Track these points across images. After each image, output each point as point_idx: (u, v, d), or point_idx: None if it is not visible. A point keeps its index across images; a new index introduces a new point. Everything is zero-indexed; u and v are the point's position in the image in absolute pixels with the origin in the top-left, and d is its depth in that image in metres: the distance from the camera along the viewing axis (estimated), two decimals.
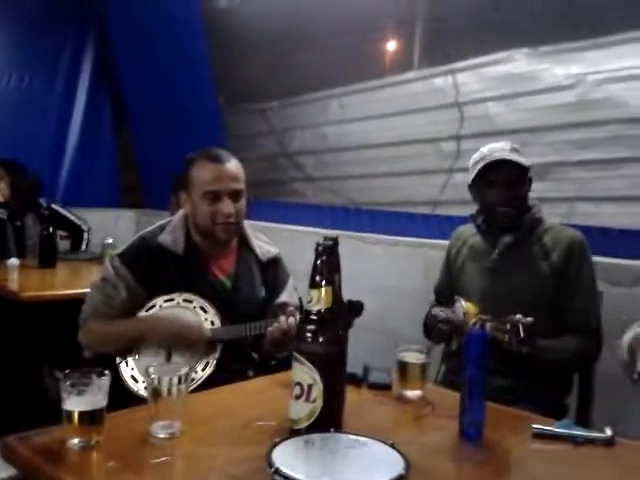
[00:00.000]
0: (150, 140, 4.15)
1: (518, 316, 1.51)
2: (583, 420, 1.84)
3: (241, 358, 1.69)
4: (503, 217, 1.82)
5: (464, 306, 1.78)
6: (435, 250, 2.14)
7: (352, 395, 1.31)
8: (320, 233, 3.03)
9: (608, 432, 1.14)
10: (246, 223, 1.85)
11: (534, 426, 1.15)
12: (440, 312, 1.80)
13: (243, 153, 3.64)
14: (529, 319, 1.50)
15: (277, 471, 0.83)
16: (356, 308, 1.56)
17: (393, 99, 3.02)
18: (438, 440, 1.14)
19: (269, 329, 1.56)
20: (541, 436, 1.14)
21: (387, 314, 2.62)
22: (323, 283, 1.02)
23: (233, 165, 1.70)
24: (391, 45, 3.06)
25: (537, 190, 2.49)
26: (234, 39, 3.65)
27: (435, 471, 0.99)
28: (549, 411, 1.68)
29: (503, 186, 1.79)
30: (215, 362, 1.61)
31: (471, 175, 1.84)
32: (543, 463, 1.08)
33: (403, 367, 1.33)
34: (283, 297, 1.78)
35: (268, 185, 3.59)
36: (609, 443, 1.12)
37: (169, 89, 3.80)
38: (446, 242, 2.07)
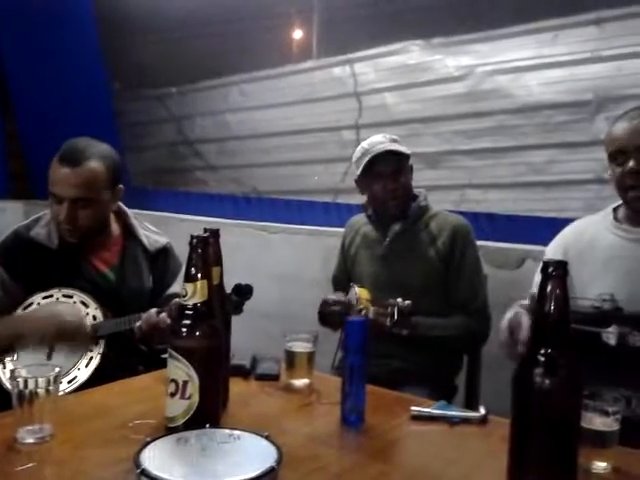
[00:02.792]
0: (37, 127, 3.92)
1: (397, 300, 1.57)
2: (471, 399, 1.93)
3: (129, 352, 1.64)
4: (392, 207, 1.88)
5: (357, 292, 1.81)
6: (334, 238, 2.17)
7: (239, 387, 1.32)
8: (220, 223, 3.00)
9: (482, 411, 1.20)
10: (132, 213, 1.79)
11: (412, 408, 1.19)
12: (330, 296, 1.84)
13: (141, 140, 3.55)
14: (406, 302, 1.55)
15: (144, 472, 0.81)
16: (245, 291, 1.55)
17: (294, 87, 3.02)
18: (320, 427, 1.16)
19: (137, 323, 1.52)
20: (419, 418, 1.18)
21: (288, 301, 2.64)
22: (198, 276, 1.01)
23: (84, 170, 1.57)
24: (290, 33, 3.06)
25: (430, 178, 2.60)
26: (130, 24, 3.51)
27: (313, 459, 1.00)
28: (440, 392, 1.76)
29: (389, 176, 1.85)
30: (99, 358, 1.56)
31: (357, 170, 1.89)
32: (420, 444, 1.12)
33: (290, 356, 1.34)
34: (174, 288, 1.74)
35: (168, 174, 3.51)
36: (482, 421, 1.18)
37: (57, 75, 3.60)
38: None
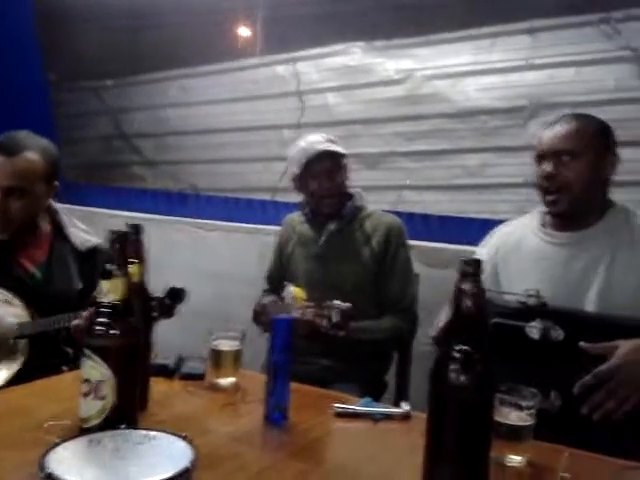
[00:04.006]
0: None
1: (336, 302, 1.58)
2: (402, 395, 1.96)
3: (54, 353, 1.59)
4: (327, 205, 1.89)
5: (292, 291, 1.81)
6: (272, 236, 2.17)
7: (162, 387, 1.29)
8: (155, 219, 2.95)
9: (405, 407, 1.21)
10: (65, 209, 1.74)
11: (336, 405, 1.20)
12: (266, 299, 1.83)
13: (75, 132, 3.44)
14: (345, 304, 1.56)
15: (49, 475, 0.78)
16: (177, 294, 1.53)
17: (236, 84, 2.99)
18: (243, 426, 1.15)
19: (66, 324, 1.48)
20: (343, 415, 1.19)
21: (223, 299, 2.62)
22: (115, 273, 0.98)
23: (20, 160, 1.55)
24: (234, 29, 3.01)
25: (369, 179, 2.62)
26: (67, 14, 3.40)
27: (233, 458, 0.99)
28: (370, 389, 1.78)
29: (325, 175, 1.86)
30: (23, 358, 1.50)
31: (294, 169, 1.89)
32: (342, 441, 1.13)
33: (215, 355, 1.32)
34: None
35: (103, 168, 3.41)
36: (405, 417, 1.20)
37: None
38: None
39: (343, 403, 1.22)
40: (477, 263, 0.84)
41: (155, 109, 3.22)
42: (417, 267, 2.04)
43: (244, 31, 2.98)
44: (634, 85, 2.13)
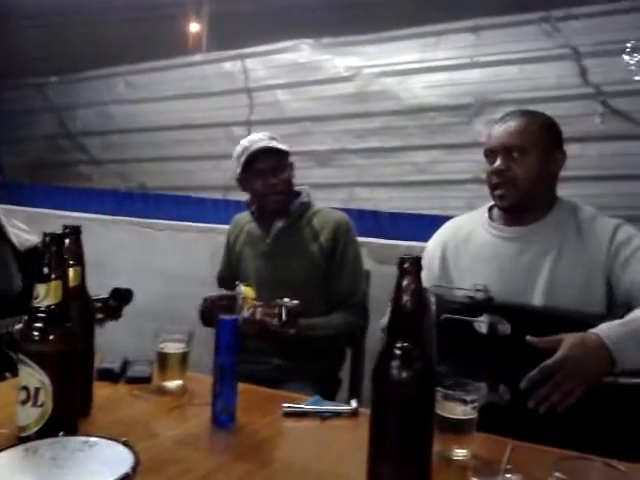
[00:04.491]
0: None
1: (285, 299, 1.57)
2: (356, 392, 1.97)
3: None
4: (272, 202, 1.89)
5: (243, 291, 1.80)
6: (223, 235, 2.14)
7: (106, 392, 1.26)
8: (102, 219, 2.88)
9: (353, 404, 1.22)
10: (2, 210, 1.69)
11: (284, 405, 1.19)
12: (211, 294, 1.82)
13: (19, 131, 3.33)
14: (294, 302, 1.56)
15: None
16: (123, 296, 1.51)
17: (183, 81, 2.95)
18: (190, 429, 1.13)
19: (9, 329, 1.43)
20: (291, 415, 1.18)
21: (174, 301, 2.58)
22: (52, 277, 0.95)
23: None
24: (180, 25, 2.97)
25: (320, 176, 2.63)
26: (9, 10, 3.28)
27: (177, 462, 0.98)
28: (324, 386, 1.78)
29: (268, 173, 1.86)
30: None
31: (238, 168, 1.89)
32: (290, 440, 1.13)
33: (161, 358, 1.30)
34: None
35: (47, 168, 3.31)
36: (354, 414, 1.20)
37: None
38: None
39: (292, 403, 1.21)
40: (415, 260, 0.85)
41: (101, 106, 3.15)
42: (368, 264, 2.05)
43: (191, 27, 2.94)
44: (574, 82, 2.19)
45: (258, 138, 1.89)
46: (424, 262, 1.84)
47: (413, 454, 0.83)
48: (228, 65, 2.81)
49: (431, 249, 1.76)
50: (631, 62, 2.09)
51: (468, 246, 1.67)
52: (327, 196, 2.54)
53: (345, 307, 1.87)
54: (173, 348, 1.30)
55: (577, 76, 2.19)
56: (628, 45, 2.09)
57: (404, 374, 0.82)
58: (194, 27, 2.92)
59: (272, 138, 1.90)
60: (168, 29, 2.96)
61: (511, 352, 1.34)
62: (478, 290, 1.45)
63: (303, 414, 1.19)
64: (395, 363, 0.83)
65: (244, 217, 2.04)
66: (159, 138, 3.03)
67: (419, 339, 0.84)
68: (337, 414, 1.19)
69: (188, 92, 2.91)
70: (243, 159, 1.86)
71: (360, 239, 2.03)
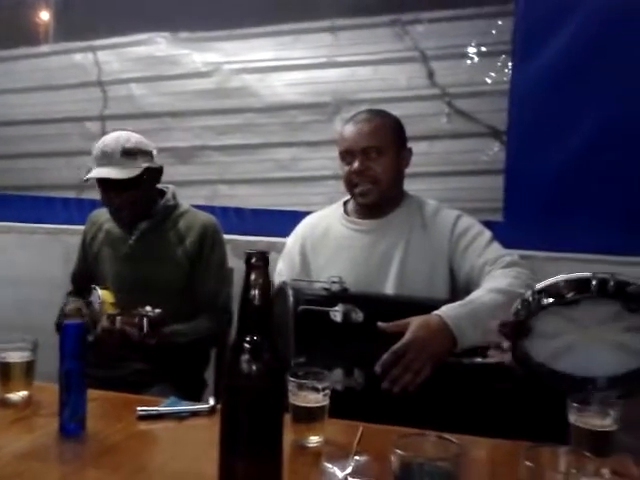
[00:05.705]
0: None
1: (147, 308, 1.52)
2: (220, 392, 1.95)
3: None
4: (123, 216, 1.81)
5: (100, 295, 1.71)
6: (77, 236, 2.03)
7: None
8: None
9: (211, 402, 1.21)
10: None
11: (139, 408, 1.16)
12: (69, 307, 1.72)
13: None
14: (156, 311, 1.51)
15: None
16: None
17: (29, 72, 2.75)
18: (35, 441, 1.06)
19: None
20: (147, 418, 1.15)
21: (27, 307, 2.41)
22: None
23: None
24: (28, 14, 2.76)
25: (182, 173, 2.57)
26: None
27: (19, 476, 0.92)
28: (188, 388, 1.75)
29: (117, 191, 1.75)
30: None
31: (87, 174, 1.77)
32: (145, 443, 1.10)
33: (3, 368, 1.21)
34: None
35: None
36: (212, 412, 1.19)
37: None
38: None
39: (148, 406, 1.18)
40: (262, 255, 0.86)
41: None
42: (232, 261, 2.04)
43: (39, 16, 2.75)
44: (423, 84, 2.32)
45: (109, 152, 1.72)
46: (285, 257, 1.89)
47: (264, 446, 0.84)
48: (78, 57, 2.66)
49: (291, 245, 1.80)
50: (473, 66, 2.25)
51: (326, 240, 1.73)
52: (190, 194, 2.48)
53: (210, 311, 1.84)
54: (16, 357, 1.21)
55: (425, 78, 2.32)
56: (470, 50, 2.25)
57: (252, 367, 0.83)
58: (41, 16, 2.73)
59: (127, 153, 1.72)
60: (14, 18, 2.74)
61: (365, 338, 1.41)
62: (334, 282, 1.51)
63: (159, 416, 1.16)
64: (244, 357, 0.84)
65: (102, 214, 1.93)
66: (6, 133, 2.81)
67: (268, 331, 0.86)
68: (195, 413, 1.18)
69: (37, 85, 2.72)
70: (91, 169, 1.75)
71: (224, 236, 2.02)
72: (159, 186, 1.90)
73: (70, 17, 2.68)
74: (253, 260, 0.86)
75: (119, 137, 1.76)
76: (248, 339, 0.85)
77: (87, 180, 1.77)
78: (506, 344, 1.08)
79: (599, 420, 0.94)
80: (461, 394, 1.39)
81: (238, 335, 0.86)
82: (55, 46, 2.70)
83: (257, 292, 0.85)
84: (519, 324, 1.05)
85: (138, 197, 1.79)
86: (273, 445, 0.84)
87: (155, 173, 1.83)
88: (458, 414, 1.33)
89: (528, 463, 0.79)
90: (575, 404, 0.96)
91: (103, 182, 1.75)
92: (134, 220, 1.83)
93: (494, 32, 2.20)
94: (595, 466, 0.80)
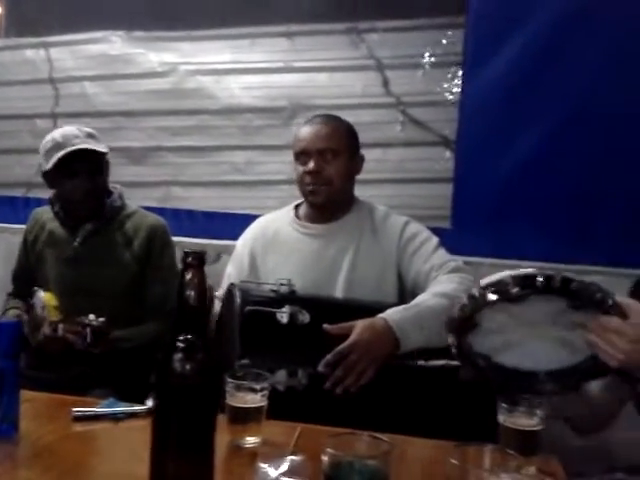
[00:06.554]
0: None
1: (91, 316, 1.50)
2: None
3: None
4: (87, 208, 1.78)
5: (42, 298, 1.68)
6: (20, 234, 1.97)
7: None
8: None
9: (149, 403, 1.20)
10: None
11: (74, 410, 1.14)
12: (10, 313, 1.68)
13: None
14: (100, 320, 1.49)
15: None
16: None
17: None
18: None
19: None
20: (82, 419, 1.14)
21: None
22: None
23: None
24: None
25: (135, 174, 2.55)
26: None
27: None
28: (131, 391, 1.72)
29: (85, 175, 1.74)
30: None
31: (46, 164, 1.73)
32: (79, 445, 1.08)
33: None
34: None
35: None
36: (150, 413, 1.18)
37: None
38: None
39: (85, 407, 1.16)
40: (198, 255, 0.86)
41: None
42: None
43: None
44: (378, 92, 2.36)
45: (73, 133, 1.72)
46: (234, 260, 1.89)
47: (194, 446, 0.83)
48: (30, 53, 2.61)
49: (240, 247, 1.81)
50: (426, 75, 2.30)
51: (276, 243, 1.74)
52: (143, 195, 2.47)
53: (158, 315, 1.80)
54: None
55: (380, 86, 2.35)
56: (424, 60, 2.29)
57: (185, 366, 0.83)
58: None
59: (89, 135, 1.75)
60: None
61: (310, 340, 1.43)
62: (282, 284, 1.52)
63: (95, 417, 1.15)
64: (177, 356, 0.84)
65: (45, 213, 1.88)
66: None
67: (203, 331, 0.86)
68: (132, 415, 1.17)
69: None
70: (56, 156, 1.69)
71: (175, 239, 2.01)
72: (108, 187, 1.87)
73: (22, 12, 2.63)
74: (189, 259, 0.86)
75: (72, 128, 1.76)
76: (182, 338, 0.85)
77: (58, 163, 1.70)
78: (450, 339, 1.09)
79: (526, 420, 0.97)
80: (403, 396, 1.42)
81: (172, 334, 0.85)
82: (6, 41, 2.64)
83: (192, 292, 0.85)
84: (464, 319, 1.06)
85: (101, 185, 1.77)
86: (204, 445, 0.84)
87: (108, 166, 1.82)
88: (399, 415, 1.35)
89: (454, 461, 0.81)
90: (504, 405, 0.98)
91: (69, 169, 1.71)
92: (89, 215, 1.80)
93: (446, 43, 2.25)
94: (518, 464, 0.83)
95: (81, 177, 1.73)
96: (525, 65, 2.16)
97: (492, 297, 1.02)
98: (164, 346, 0.86)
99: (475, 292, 1.04)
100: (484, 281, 1.04)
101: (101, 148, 1.75)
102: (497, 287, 1.02)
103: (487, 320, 1.06)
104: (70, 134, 1.73)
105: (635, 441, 1.44)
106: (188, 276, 0.86)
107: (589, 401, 1.25)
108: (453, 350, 1.11)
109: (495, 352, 1.10)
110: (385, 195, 2.23)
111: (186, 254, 0.86)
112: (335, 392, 1.37)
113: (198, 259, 0.86)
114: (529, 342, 1.08)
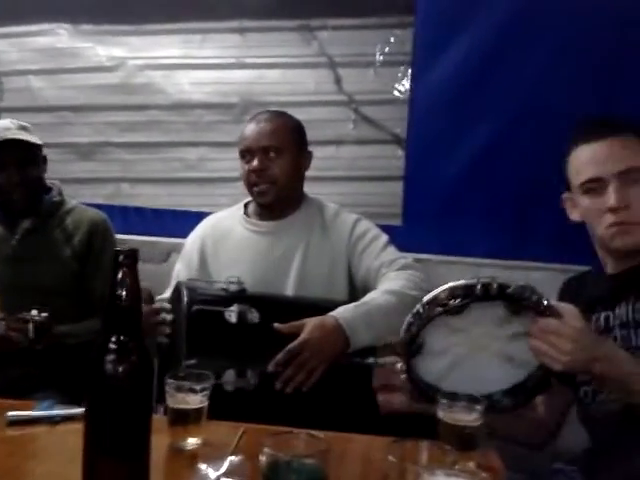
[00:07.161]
0: None
1: (33, 312, 1.46)
2: None
3: None
4: (18, 200, 1.75)
5: None
6: None
7: None
8: None
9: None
10: None
11: (9, 414, 1.11)
12: None
13: None
14: (42, 315, 1.45)
15: None
16: None
17: None
18: None
19: None
20: (17, 423, 1.11)
21: None
22: None
23: None
24: None
25: (83, 170, 2.49)
26: None
27: None
28: (79, 394, 1.68)
29: (15, 167, 1.71)
30: None
31: None
32: (13, 449, 1.05)
33: None
34: None
35: None
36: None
37: None
38: None
39: (20, 410, 1.13)
40: (130, 252, 0.84)
41: None
42: None
43: None
44: (330, 89, 2.36)
45: (5, 126, 1.72)
46: (183, 257, 1.86)
47: (127, 449, 0.82)
48: None
49: (189, 245, 1.79)
50: (377, 74, 2.31)
51: (226, 241, 1.73)
52: (91, 192, 2.42)
53: (98, 313, 1.78)
54: None
55: (333, 83, 2.35)
56: (374, 58, 2.30)
57: (119, 368, 0.81)
58: None
59: (22, 128, 1.75)
60: None
61: (259, 339, 1.42)
62: (232, 282, 1.50)
63: (30, 421, 1.11)
64: (110, 357, 0.82)
65: None
66: None
67: (135, 331, 0.84)
68: (69, 418, 1.14)
69: None
70: None
71: (122, 237, 1.97)
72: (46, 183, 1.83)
73: None
74: (120, 258, 0.84)
75: (5, 121, 1.76)
76: (113, 339, 0.83)
77: None
78: (399, 365, 1.09)
79: (465, 416, 0.98)
80: (352, 393, 1.42)
81: (105, 334, 0.83)
82: None
83: (124, 291, 0.83)
84: (411, 341, 1.05)
85: (36, 176, 1.75)
86: (138, 448, 0.82)
87: (45, 161, 1.80)
88: (349, 413, 1.36)
89: (391, 457, 0.82)
90: (443, 401, 0.99)
91: (6, 155, 1.70)
92: (26, 211, 1.76)
93: (395, 42, 2.27)
94: (455, 459, 0.84)
95: (11, 168, 1.72)
96: (473, 65, 2.19)
97: (434, 311, 1.01)
98: (95, 347, 0.84)
99: (419, 309, 1.03)
100: (426, 297, 1.04)
101: (33, 139, 1.74)
102: (438, 301, 1.02)
103: (431, 339, 1.06)
104: (1, 127, 1.73)
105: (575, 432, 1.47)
106: (120, 275, 0.83)
107: (533, 417, 1.27)
108: (403, 376, 1.09)
109: (443, 378, 1.08)
110: (337, 193, 2.23)
111: (117, 252, 0.84)
112: (285, 391, 1.37)
113: (130, 257, 0.84)
114: (472, 360, 1.07)
